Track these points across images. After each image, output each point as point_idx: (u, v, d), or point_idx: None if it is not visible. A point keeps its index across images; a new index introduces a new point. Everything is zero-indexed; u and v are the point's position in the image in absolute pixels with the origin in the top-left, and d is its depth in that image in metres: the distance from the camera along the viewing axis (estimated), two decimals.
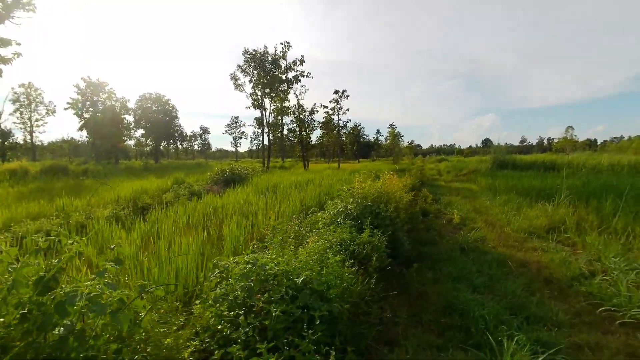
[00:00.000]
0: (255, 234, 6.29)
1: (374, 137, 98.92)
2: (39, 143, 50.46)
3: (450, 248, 6.00)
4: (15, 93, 42.78)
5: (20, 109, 43.22)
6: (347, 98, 45.05)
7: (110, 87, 47.21)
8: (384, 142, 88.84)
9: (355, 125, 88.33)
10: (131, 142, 64.78)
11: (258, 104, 32.57)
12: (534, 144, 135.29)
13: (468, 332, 3.22)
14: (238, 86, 31.42)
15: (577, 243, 6.23)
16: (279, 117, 36.70)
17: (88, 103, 41.42)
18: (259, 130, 33.65)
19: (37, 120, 44.87)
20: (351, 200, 5.58)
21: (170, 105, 59.12)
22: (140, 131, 58.95)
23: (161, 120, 57.04)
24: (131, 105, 55.16)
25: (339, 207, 5.56)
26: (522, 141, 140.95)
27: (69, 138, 64.54)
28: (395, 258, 5.18)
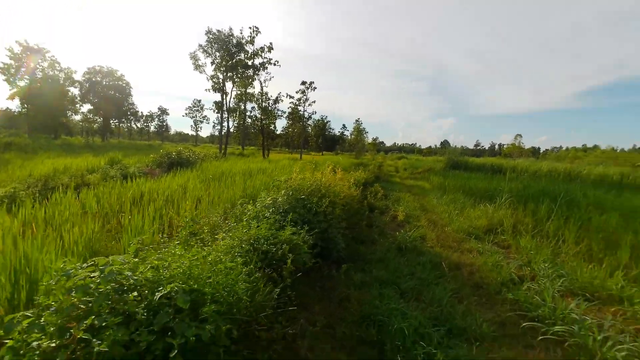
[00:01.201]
0: (174, 225, 5.52)
1: (339, 132, 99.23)
2: None
3: (387, 247, 5.67)
4: None
5: None
6: (314, 90, 44.30)
7: (52, 55, 42.39)
8: (349, 137, 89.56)
9: (322, 118, 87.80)
10: (77, 118, 59.03)
11: (219, 88, 30.71)
12: (487, 148, 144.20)
13: (382, 349, 2.80)
14: (198, 67, 29.30)
15: (512, 245, 6.21)
16: (241, 103, 34.97)
17: (24, 70, 36.67)
18: (227, 117, 31.71)
19: None
20: (282, 192, 5.01)
21: (124, 82, 54.47)
22: (88, 106, 53.81)
23: (112, 97, 52.41)
24: (78, 77, 50.13)
25: (269, 199, 4.97)
26: (477, 145, 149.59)
27: (5, 108, 57.13)
28: (326, 258, 4.72)
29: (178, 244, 3.32)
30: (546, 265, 4.57)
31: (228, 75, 29.93)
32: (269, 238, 3.63)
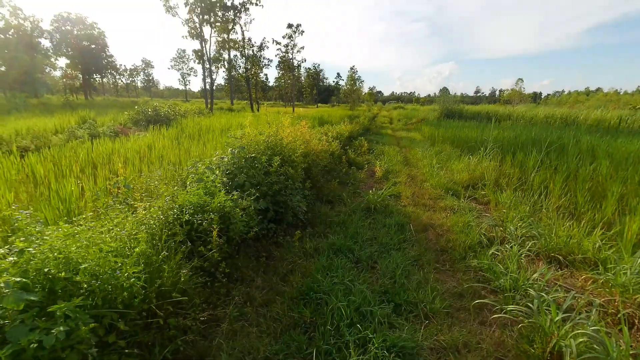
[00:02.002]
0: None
1: (334, 81, 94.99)
2: None
3: (354, 208, 5.23)
4: None
5: None
6: (302, 34, 41.23)
7: (12, 2, 38.69)
8: (344, 87, 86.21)
9: (314, 66, 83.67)
10: (57, 74, 55.76)
11: (196, 34, 28.27)
12: (487, 94, 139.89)
13: (313, 335, 2.45)
14: (169, 9, 26.58)
15: (492, 201, 5.79)
16: (223, 51, 32.45)
17: None
18: (209, 67, 29.50)
19: None
20: (229, 150, 4.42)
21: (98, 30, 50.43)
22: (64, 60, 50.48)
23: (87, 48, 48.91)
24: (46, 27, 46.33)
25: (214, 159, 4.40)
26: (477, 92, 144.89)
27: None
28: (280, 222, 4.29)
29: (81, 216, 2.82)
30: (521, 224, 4.16)
31: (205, 18, 27.36)
32: (198, 206, 3.14)
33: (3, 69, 39.64)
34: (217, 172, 4.18)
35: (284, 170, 4.37)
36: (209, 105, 29.95)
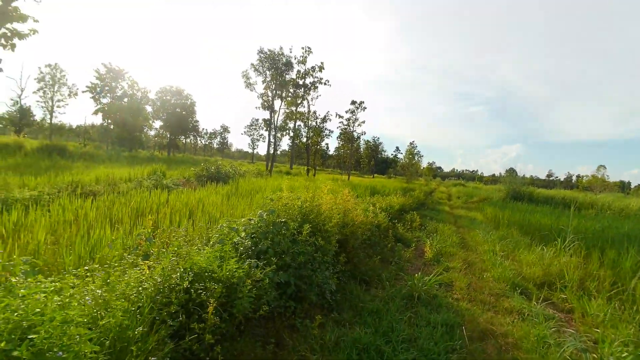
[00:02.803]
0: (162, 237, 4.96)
1: (392, 154, 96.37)
2: (58, 123, 51.65)
3: (393, 294, 4.42)
4: (41, 72, 44.07)
5: (44, 89, 44.43)
6: (364, 110, 43.70)
7: (130, 76, 48.19)
8: (402, 160, 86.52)
9: (374, 139, 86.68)
10: (152, 133, 65.77)
11: (268, 105, 31.68)
12: (562, 179, 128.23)
13: None
14: (249, 85, 30.69)
15: (576, 309, 4.50)
16: (289, 121, 35.60)
17: (107, 88, 42.03)
18: (274, 134, 32.64)
19: (58, 100, 45.95)
20: (258, 212, 4.15)
21: (190, 101, 59.71)
22: (159, 122, 59.75)
23: (179, 114, 57.56)
24: (152, 96, 56.20)
25: (243, 219, 4.15)
26: (549, 175, 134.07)
27: (92, 124, 66.08)
28: (302, 301, 3.69)
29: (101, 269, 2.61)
30: (626, 354, 2.98)
31: (277, 93, 30.69)
32: (204, 272, 2.77)
33: (112, 127, 48.03)
34: (242, 234, 3.89)
35: (313, 240, 3.91)
36: (269, 167, 31.82)
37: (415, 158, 67.20)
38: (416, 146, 66.95)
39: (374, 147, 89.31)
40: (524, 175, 26.34)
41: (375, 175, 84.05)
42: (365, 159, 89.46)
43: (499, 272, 5.72)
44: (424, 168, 79.71)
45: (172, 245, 3.27)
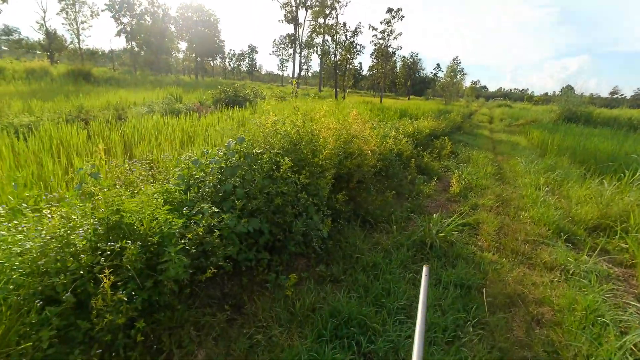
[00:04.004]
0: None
1: (431, 72, 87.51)
2: (91, 48, 51.11)
3: (402, 241, 3.63)
4: None
5: (66, 9, 42.90)
6: (401, 19, 38.15)
7: None
8: (442, 80, 78.60)
9: (412, 55, 78.40)
10: (180, 56, 63.54)
11: (292, 17, 28.35)
12: (628, 97, 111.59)
13: None
14: None
15: (639, 265, 3.50)
16: (316, 36, 31.90)
17: (125, 5, 39.75)
18: (308, 54, 29.90)
19: (82, 22, 44.56)
20: (227, 142, 3.29)
21: (213, 18, 55.53)
22: (184, 44, 57.19)
23: (202, 33, 54.35)
24: (173, 13, 52.83)
25: (216, 149, 3.35)
26: (613, 93, 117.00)
27: (129, 47, 64.55)
28: (281, 252, 3.02)
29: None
30: None
31: (301, 1, 27.08)
32: (129, 225, 2.09)
33: (137, 50, 46.74)
34: (208, 169, 3.12)
35: (295, 178, 3.05)
36: (295, 90, 30.04)
37: (458, 77, 60.50)
38: (460, 62, 59.68)
39: (412, 65, 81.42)
40: (582, 93, 22.19)
41: (412, 97, 78.27)
42: (401, 79, 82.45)
43: (540, 212, 4.67)
44: (466, 88, 72.52)
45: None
